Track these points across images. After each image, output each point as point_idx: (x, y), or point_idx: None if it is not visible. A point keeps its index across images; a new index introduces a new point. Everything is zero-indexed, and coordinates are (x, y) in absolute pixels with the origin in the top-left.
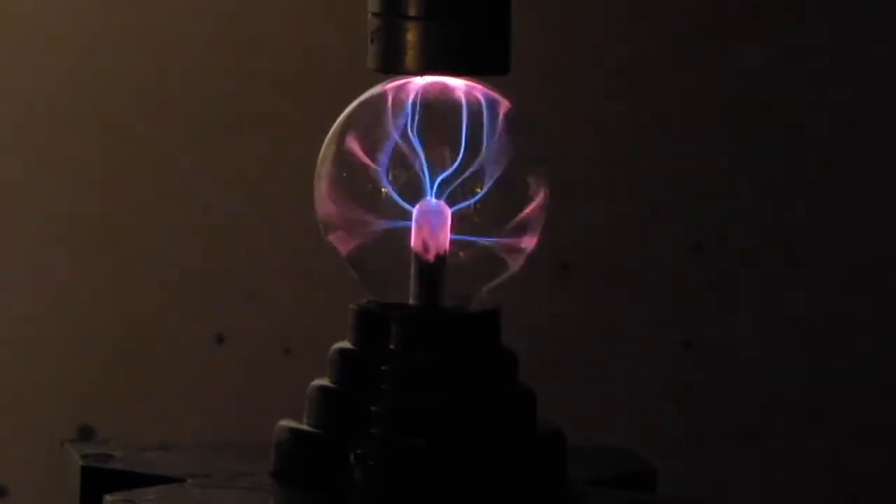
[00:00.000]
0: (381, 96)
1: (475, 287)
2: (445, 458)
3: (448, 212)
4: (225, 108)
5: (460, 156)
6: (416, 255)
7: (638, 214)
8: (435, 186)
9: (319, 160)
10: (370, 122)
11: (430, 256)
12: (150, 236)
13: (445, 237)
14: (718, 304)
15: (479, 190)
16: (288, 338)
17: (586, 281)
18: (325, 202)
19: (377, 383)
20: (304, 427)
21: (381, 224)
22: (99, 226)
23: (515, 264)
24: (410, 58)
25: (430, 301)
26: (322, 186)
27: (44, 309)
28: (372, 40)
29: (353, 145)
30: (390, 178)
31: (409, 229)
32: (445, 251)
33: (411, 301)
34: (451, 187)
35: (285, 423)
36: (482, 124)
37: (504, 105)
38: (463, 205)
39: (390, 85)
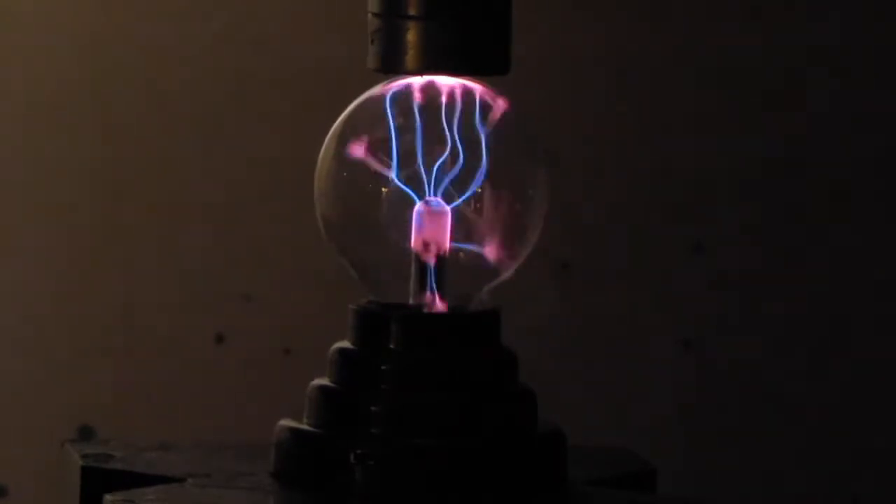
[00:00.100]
0: (381, 96)
1: (475, 287)
2: (445, 458)
3: (448, 212)
4: (225, 108)
5: (460, 156)
6: (416, 255)
7: (638, 214)
8: (435, 186)
9: (319, 160)
10: (370, 122)
11: (430, 256)
12: (150, 236)
13: (445, 237)
14: (718, 304)
15: (478, 190)
16: (288, 338)
17: (586, 281)
18: (325, 202)
19: (377, 383)
20: (304, 427)
21: (381, 224)
22: (99, 226)
23: (515, 264)
24: (410, 58)
25: (431, 301)
26: (322, 186)
27: (44, 309)
28: (372, 40)
29: (354, 145)
30: (390, 178)
31: (409, 229)
32: (445, 251)
33: (411, 301)
34: (451, 187)
35: (285, 423)
36: (482, 124)
37: (504, 105)
38: (463, 204)
39: (390, 85)
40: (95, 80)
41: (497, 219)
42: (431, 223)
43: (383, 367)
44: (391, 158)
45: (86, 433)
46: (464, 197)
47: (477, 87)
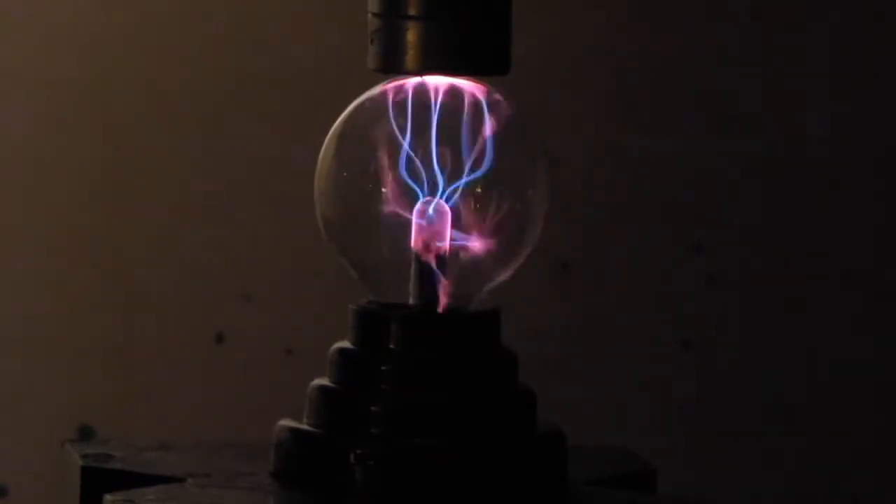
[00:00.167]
0: (381, 96)
1: (475, 287)
2: (445, 458)
3: (448, 212)
4: (225, 108)
5: (460, 156)
6: (416, 255)
7: (638, 214)
8: (435, 186)
9: (319, 160)
10: (370, 123)
11: (430, 256)
12: (150, 236)
13: (445, 237)
14: (718, 304)
15: (478, 190)
16: (288, 338)
17: (586, 281)
18: (325, 202)
19: (377, 383)
20: (304, 427)
21: (382, 224)
22: (99, 226)
23: (515, 264)
24: (410, 58)
25: (430, 301)
26: (322, 186)
27: (44, 309)
28: (372, 40)
29: (353, 145)
30: (390, 178)
31: (409, 229)
32: (445, 251)
33: (411, 301)
34: (451, 187)
35: (285, 423)
36: (482, 124)
37: (504, 105)
38: (463, 204)
39: (390, 85)
40: (95, 80)
41: (497, 219)
42: (431, 223)
43: (383, 367)
44: (391, 158)
45: (86, 433)
46: (464, 197)
47: (477, 88)
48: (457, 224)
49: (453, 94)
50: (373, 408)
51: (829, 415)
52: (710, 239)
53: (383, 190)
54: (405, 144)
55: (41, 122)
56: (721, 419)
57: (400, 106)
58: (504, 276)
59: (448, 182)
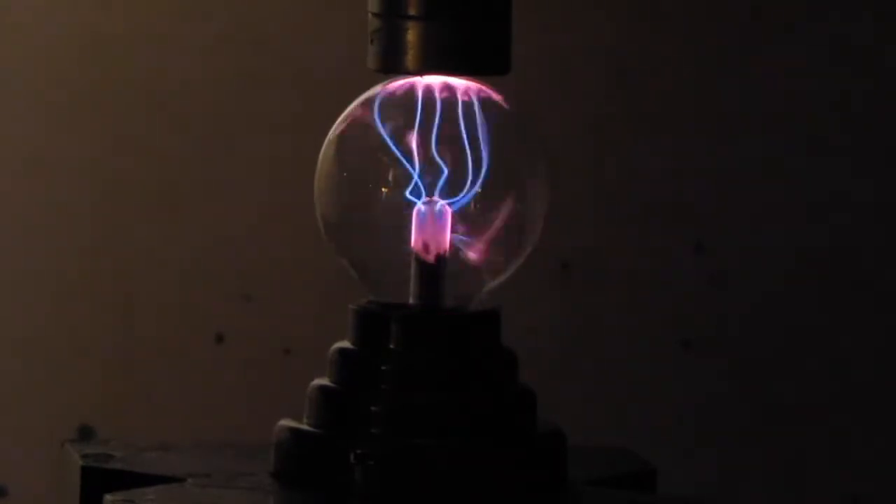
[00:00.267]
0: (381, 96)
1: (475, 287)
2: (445, 458)
3: (448, 212)
4: (225, 108)
5: (460, 156)
6: (416, 255)
7: (638, 214)
8: (435, 186)
9: (319, 160)
10: (370, 123)
11: (430, 256)
12: (150, 236)
13: (445, 237)
14: (718, 304)
15: (478, 190)
16: (288, 338)
17: (586, 281)
18: (325, 202)
19: (377, 383)
20: (304, 427)
21: (381, 224)
22: (99, 226)
23: (515, 264)
24: (410, 58)
25: (430, 301)
26: (322, 186)
27: (44, 309)
28: (372, 40)
29: (353, 145)
30: (390, 178)
31: (409, 229)
32: (445, 251)
33: (411, 301)
34: (451, 187)
35: (285, 423)
36: (482, 124)
37: (504, 105)
38: (463, 205)
39: (390, 85)
40: (95, 80)
41: (497, 219)
42: (431, 223)
43: (383, 367)
44: (391, 158)
45: (86, 433)
46: (464, 197)
47: (477, 87)
48: (456, 224)
49: (453, 93)
50: (373, 408)
51: (829, 415)
52: (710, 239)
53: (383, 190)
54: (405, 145)
55: (41, 123)
56: (721, 419)
57: (400, 106)
58: (504, 275)
59: (448, 182)
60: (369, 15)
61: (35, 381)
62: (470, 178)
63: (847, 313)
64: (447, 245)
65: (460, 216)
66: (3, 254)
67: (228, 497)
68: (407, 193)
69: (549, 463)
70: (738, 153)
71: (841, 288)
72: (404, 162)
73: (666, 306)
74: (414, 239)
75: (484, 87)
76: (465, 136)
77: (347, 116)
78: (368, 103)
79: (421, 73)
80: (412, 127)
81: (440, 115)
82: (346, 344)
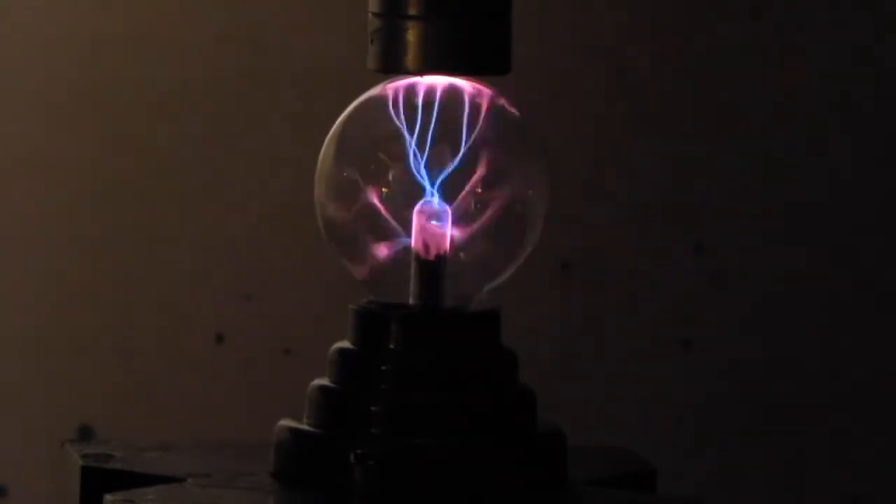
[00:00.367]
0: (381, 96)
1: (475, 287)
2: (445, 458)
3: (448, 212)
4: (225, 108)
5: (460, 156)
6: (416, 255)
7: (638, 214)
8: (435, 186)
9: (319, 160)
10: (370, 123)
11: (430, 256)
12: (150, 236)
13: (445, 237)
14: (718, 304)
15: (479, 190)
16: (288, 338)
17: (586, 281)
18: (325, 202)
19: (377, 383)
20: (304, 427)
21: (381, 224)
22: (99, 226)
23: (515, 264)
24: (410, 58)
25: (430, 301)
26: (322, 186)
27: (44, 309)
28: (372, 40)
29: (353, 145)
30: (390, 178)
31: (409, 229)
32: (445, 251)
33: (411, 301)
34: (452, 187)
35: (285, 423)
36: (482, 124)
37: (504, 105)
38: (463, 205)
39: (390, 85)
40: (95, 80)
41: (497, 219)
42: (431, 224)
43: (383, 367)
44: (391, 158)
45: (86, 433)
46: (464, 197)
47: (477, 88)
48: (456, 224)
49: (453, 94)
50: (373, 408)
51: (829, 415)
52: (710, 239)
53: (383, 190)
54: (405, 144)
55: (40, 123)
56: (721, 419)
57: (400, 106)
58: (504, 276)
59: (448, 182)
60: (369, 15)
61: (35, 381)
62: (470, 178)
63: (847, 313)
64: (447, 245)
65: (460, 216)
66: (3, 254)
67: (228, 497)
68: (407, 193)
69: (549, 463)
70: (738, 153)
71: (841, 288)
72: (404, 162)
73: (666, 306)
74: (414, 239)
75: (484, 87)
76: (465, 136)
77: (348, 116)
78: (369, 103)
79: (421, 73)
80: (412, 127)
81: (440, 115)
82: (346, 344)
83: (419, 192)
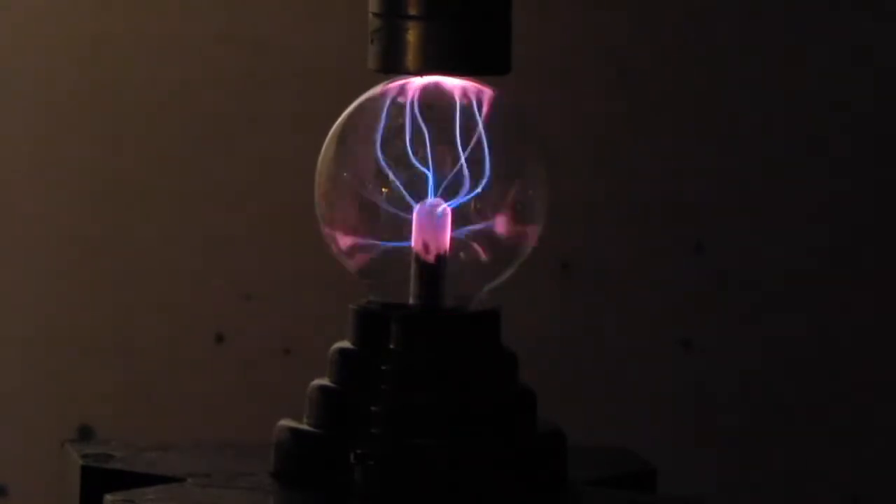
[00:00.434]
0: (382, 96)
1: (475, 287)
2: (445, 458)
3: (448, 212)
4: (225, 108)
5: (460, 156)
6: (416, 255)
7: (638, 214)
8: (435, 186)
9: (320, 160)
10: (370, 123)
11: (430, 256)
12: (150, 236)
13: (445, 237)
14: (718, 304)
15: (479, 190)
16: (288, 338)
17: (586, 281)
18: (325, 202)
19: (377, 383)
20: (304, 427)
21: (382, 224)
22: (99, 225)
23: (515, 264)
24: (410, 58)
25: (430, 301)
26: (322, 186)
27: (44, 309)
28: (372, 40)
29: (354, 145)
30: (390, 178)
31: (409, 229)
32: (445, 251)
33: (411, 301)
34: (452, 187)
35: (285, 423)
36: (482, 124)
37: (504, 105)
38: (463, 205)
39: (390, 85)
40: (95, 80)
41: (497, 219)
42: (431, 223)
43: (383, 367)
44: (391, 159)
45: (86, 433)
46: (464, 197)
47: (477, 87)
48: (456, 224)
49: (453, 94)
50: (373, 408)
51: (828, 415)
52: (710, 239)
53: (383, 190)
54: (405, 144)
55: (41, 123)
56: (721, 419)
57: (400, 106)
58: (504, 275)
59: (448, 182)
60: (369, 15)
61: (35, 381)
62: (470, 178)
63: (847, 313)
64: (447, 245)
65: (460, 216)
66: (3, 254)
67: (228, 497)
68: (407, 193)
69: (549, 463)
70: (738, 153)
71: (841, 288)
72: (404, 162)
73: (666, 306)
74: (414, 239)
75: (484, 88)
76: (465, 136)
77: (348, 116)
78: (369, 103)
79: (421, 73)
80: (412, 127)
81: (440, 116)
82: (346, 344)
83: (419, 193)
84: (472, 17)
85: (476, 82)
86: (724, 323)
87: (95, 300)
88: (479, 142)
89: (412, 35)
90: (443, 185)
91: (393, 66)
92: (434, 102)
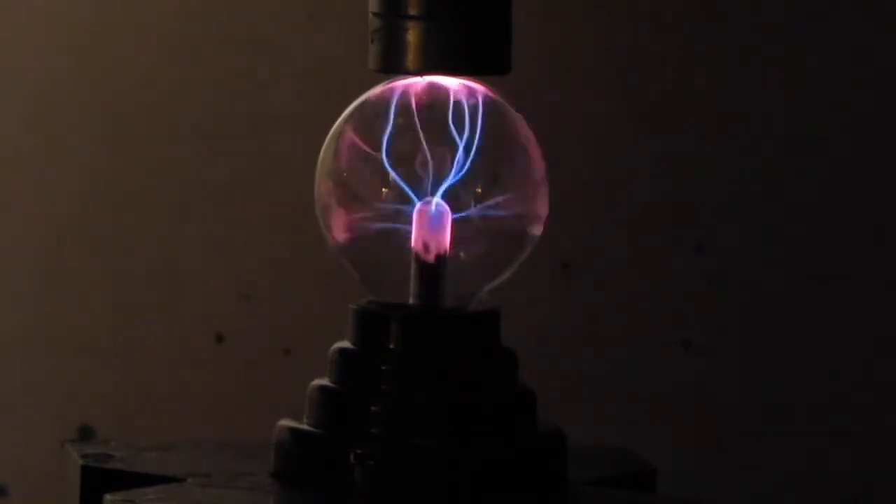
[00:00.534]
0: (382, 96)
1: (475, 287)
2: (445, 458)
3: (448, 212)
4: (225, 108)
5: (460, 156)
6: (416, 255)
7: (638, 214)
8: (435, 186)
9: (320, 160)
10: (370, 123)
11: (430, 256)
12: (150, 236)
13: (445, 237)
14: (718, 304)
15: (479, 190)
16: (288, 338)
17: (586, 281)
18: (325, 202)
19: (377, 383)
20: (304, 427)
21: (382, 224)
22: (99, 226)
23: (515, 264)
24: (411, 58)
25: (430, 301)
26: (322, 186)
27: (44, 309)
28: (372, 40)
29: (354, 145)
30: (390, 178)
31: (409, 229)
32: (445, 251)
33: (411, 301)
34: (452, 187)
35: (285, 423)
36: (482, 124)
37: (504, 105)
38: (463, 204)
39: (390, 85)
40: (95, 80)
41: (497, 219)
42: (431, 223)
43: (383, 367)
44: (391, 158)
45: (86, 433)
46: (464, 197)
47: (477, 87)
48: (456, 224)
49: (454, 94)
50: (373, 408)
51: (829, 415)
52: (710, 239)
53: (383, 190)
54: (405, 144)
55: (41, 123)
56: (721, 419)
57: (400, 106)
58: (504, 275)
59: (448, 182)
60: (370, 14)
61: (35, 381)
62: (469, 177)
63: (847, 313)
64: (447, 245)
65: (460, 216)
66: (3, 254)
67: (228, 497)
68: (407, 194)
69: (549, 463)
70: (738, 153)
71: (841, 288)
72: (404, 162)
73: (666, 306)
74: (414, 239)
75: (484, 88)
76: (464, 136)
77: (348, 116)
78: (369, 103)
79: (421, 72)
80: (412, 127)
81: (440, 115)
82: (346, 344)
83: (419, 193)
84: (472, 17)
85: (476, 82)
86: (724, 323)
87: (95, 300)
88: (479, 141)
89: (412, 35)
90: (443, 185)
91: (393, 66)
92: (434, 102)
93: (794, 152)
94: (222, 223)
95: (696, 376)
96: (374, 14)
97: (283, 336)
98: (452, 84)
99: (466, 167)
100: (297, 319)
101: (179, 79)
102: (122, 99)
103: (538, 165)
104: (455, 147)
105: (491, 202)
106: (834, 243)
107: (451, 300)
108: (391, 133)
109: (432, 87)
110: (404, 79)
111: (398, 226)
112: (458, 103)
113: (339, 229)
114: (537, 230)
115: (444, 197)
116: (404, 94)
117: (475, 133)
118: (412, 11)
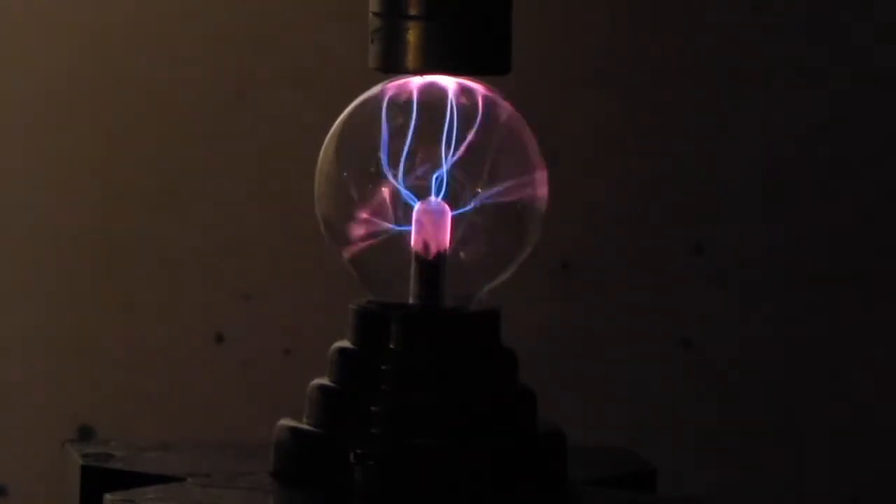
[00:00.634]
0: (382, 96)
1: (475, 287)
2: (445, 458)
3: (448, 211)
4: (225, 107)
5: (460, 155)
6: (416, 254)
7: (638, 214)
8: (435, 186)
9: (320, 160)
10: (370, 122)
11: (430, 256)
12: (150, 236)
13: (445, 237)
14: (718, 304)
15: (479, 189)
16: (288, 338)
17: (586, 281)
18: (325, 202)
19: (377, 383)
20: (304, 427)
21: (382, 224)
22: (99, 225)
23: (515, 264)
24: (411, 57)
25: (430, 301)
26: (322, 186)
27: (44, 309)
28: (372, 40)
29: (354, 145)
30: (390, 177)
31: (409, 229)
32: (445, 251)
33: (411, 301)
34: (452, 187)
35: (285, 422)
36: (482, 124)
37: (504, 105)
38: (463, 204)
39: (390, 84)
40: (95, 80)
41: (497, 219)
42: (431, 223)
43: (383, 367)
44: (391, 158)
45: (86, 433)
46: (464, 197)
47: (477, 87)
48: (456, 224)
49: (453, 93)
50: (373, 408)
51: (829, 415)
52: (710, 239)
53: (383, 190)
54: (405, 144)
55: (40, 123)
56: (721, 419)
57: (400, 105)
58: (504, 275)
59: (448, 182)
60: (370, 14)
61: (35, 381)
62: (470, 177)
63: (847, 313)
64: (447, 245)
65: (460, 215)
66: (3, 254)
67: (228, 497)
68: (407, 193)
69: (549, 463)
70: (738, 153)
71: (841, 287)
72: (404, 161)
73: (666, 306)
74: (414, 239)
75: (484, 87)
76: (464, 135)
77: (348, 116)
78: (369, 103)
79: (421, 72)
80: (412, 127)
81: (440, 115)
82: (346, 344)
83: (419, 192)
84: (472, 17)
85: (476, 82)
86: (724, 323)
87: (95, 300)
88: (479, 141)
89: (412, 35)
90: (443, 185)
91: (393, 66)
92: (434, 102)
93: (794, 152)
94: (222, 223)
95: (696, 376)
96: (374, 14)
97: (283, 336)
98: (452, 84)
99: (466, 167)
100: (297, 319)
101: (179, 79)
102: (122, 98)
103: (538, 165)
104: (454, 147)
105: (491, 202)
106: (834, 243)
107: (451, 300)
108: (391, 133)
109: (432, 87)
110: (404, 78)
111: (398, 226)
112: (457, 103)
113: (339, 229)
114: (537, 230)
115: (443, 196)
116: (404, 93)
117: (474, 133)
118: (412, 11)
